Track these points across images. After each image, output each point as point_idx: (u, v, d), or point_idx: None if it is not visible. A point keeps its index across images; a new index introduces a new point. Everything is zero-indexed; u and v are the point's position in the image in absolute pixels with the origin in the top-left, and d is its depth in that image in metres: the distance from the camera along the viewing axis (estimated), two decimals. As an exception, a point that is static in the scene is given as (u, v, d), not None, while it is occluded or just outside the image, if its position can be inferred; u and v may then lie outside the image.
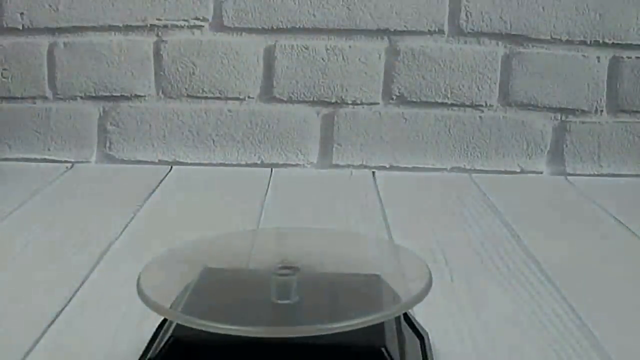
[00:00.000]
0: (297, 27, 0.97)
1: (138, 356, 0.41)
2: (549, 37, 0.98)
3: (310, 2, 0.96)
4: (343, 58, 0.97)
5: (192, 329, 0.36)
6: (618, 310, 0.56)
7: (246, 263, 0.46)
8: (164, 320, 0.43)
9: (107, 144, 1.01)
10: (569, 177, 0.99)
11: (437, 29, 0.96)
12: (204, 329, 0.34)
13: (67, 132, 1.01)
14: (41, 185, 0.89)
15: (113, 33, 0.99)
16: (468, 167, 1.00)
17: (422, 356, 0.44)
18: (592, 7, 0.97)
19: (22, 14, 0.98)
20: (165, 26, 0.99)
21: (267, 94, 1.00)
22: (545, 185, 0.96)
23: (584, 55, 0.98)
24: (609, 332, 0.52)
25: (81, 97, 1.00)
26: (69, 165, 1.00)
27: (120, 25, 0.98)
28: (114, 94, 1.00)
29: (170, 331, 0.38)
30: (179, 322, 0.37)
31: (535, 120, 1.00)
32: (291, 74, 0.98)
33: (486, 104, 0.99)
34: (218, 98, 1.00)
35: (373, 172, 0.98)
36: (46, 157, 1.01)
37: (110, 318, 0.52)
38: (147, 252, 0.62)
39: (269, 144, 1.01)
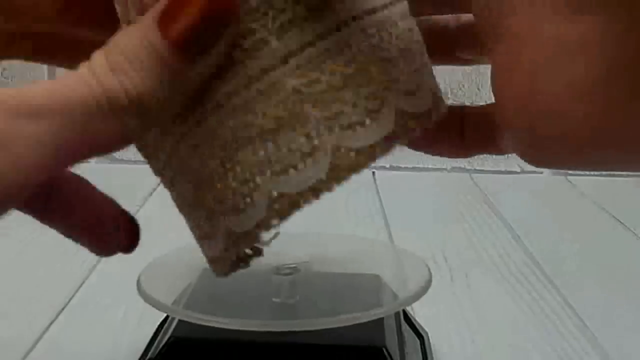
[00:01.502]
0: (297, 27, 0.97)
1: (138, 356, 0.41)
2: (549, 37, 0.97)
3: (310, 2, 0.96)
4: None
5: (192, 329, 0.36)
6: (618, 310, 0.56)
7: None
8: (164, 320, 0.43)
9: (107, 144, 1.01)
10: (569, 177, 0.99)
11: (437, 29, 0.96)
12: (206, 324, 0.34)
13: (67, 132, 1.01)
14: (41, 185, 0.89)
15: (113, 33, 0.99)
16: (468, 167, 1.00)
17: (422, 356, 0.44)
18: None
19: (22, 14, 0.98)
20: (165, 26, 0.99)
21: (267, 94, 1.00)
22: (545, 185, 0.96)
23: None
24: (609, 332, 0.52)
25: (81, 97, 1.01)
26: (69, 165, 1.00)
27: (120, 25, 0.99)
28: (114, 94, 1.00)
29: (171, 331, 0.38)
30: (182, 319, 0.37)
31: (535, 120, 0.99)
32: (291, 74, 0.98)
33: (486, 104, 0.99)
34: (218, 98, 1.00)
35: (373, 172, 0.98)
36: (46, 157, 1.01)
37: (110, 318, 0.52)
38: (147, 252, 0.62)
39: (269, 144, 1.01)
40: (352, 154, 0.21)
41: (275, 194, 0.21)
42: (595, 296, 0.58)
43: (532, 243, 0.70)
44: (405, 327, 0.44)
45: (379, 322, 0.38)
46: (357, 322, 0.34)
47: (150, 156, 0.25)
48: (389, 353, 0.36)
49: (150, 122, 0.21)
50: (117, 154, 1.00)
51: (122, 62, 0.19)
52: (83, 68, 0.19)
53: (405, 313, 0.45)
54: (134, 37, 0.20)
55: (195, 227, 0.25)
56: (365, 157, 0.21)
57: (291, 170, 0.21)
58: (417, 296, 0.37)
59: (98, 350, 0.47)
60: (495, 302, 0.57)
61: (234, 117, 0.21)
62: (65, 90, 0.19)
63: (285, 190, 0.21)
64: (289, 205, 0.22)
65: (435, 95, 0.24)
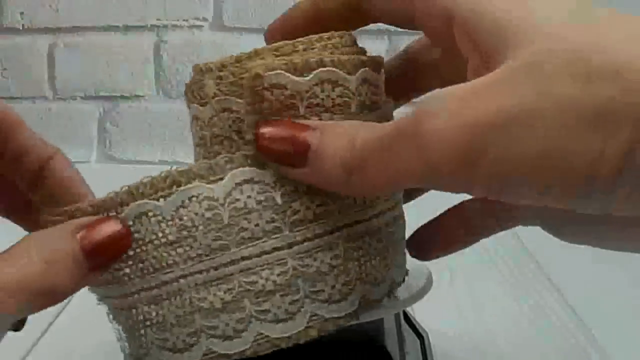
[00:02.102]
0: (297, 27, 0.96)
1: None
2: (549, 37, 0.97)
3: (310, 2, 0.96)
4: (343, 58, 0.97)
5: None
6: (618, 310, 0.56)
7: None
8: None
9: (107, 144, 1.01)
10: (568, 177, 0.99)
11: (437, 29, 0.96)
12: None
13: (67, 132, 1.01)
14: (41, 185, 0.89)
15: (113, 33, 0.99)
16: (468, 167, 1.00)
17: (422, 356, 0.44)
18: (592, 7, 0.97)
19: (22, 13, 0.98)
20: (165, 26, 0.99)
21: (267, 94, 1.00)
22: (545, 185, 0.96)
23: (583, 56, 0.98)
24: (609, 332, 0.52)
25: (81, 97, 1.00)
26: (69, 165, 1.00)
27: (120, 25, 0.99)
28: (114, 94, 1.00)
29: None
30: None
31: (535, 120, 0.99)
32: (291, 74, 0.98)
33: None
34: (218, 98, 1.00)
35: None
36: (46, 157, 1.01)
37: (110, 318, 0.52)
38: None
39: (269, 144, 1.01)
40: (268, 341, 0.31)
41: (210, 348, 0.31)
42: (595, 296, 0.58)
43: (532, 243, 0.70)
44: (405, 327, 0.44)
45: (379, 322, 0.38)
46: (357, 321, 0.34)
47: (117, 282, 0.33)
48: (388, 353, 0.36)
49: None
50: (117, 154, 1.00)
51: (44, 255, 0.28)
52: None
53: (405, 313, 0.45)
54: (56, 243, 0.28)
55: (256, 310, 0.33)
56: (284, 342, 0.31)
57: (221, 340, 0.31)
58: (417, 297, 0.37)
59: (98, 351, 0.47)
60: (495, 302, 0.57)
61: (196, 290, 0.30)
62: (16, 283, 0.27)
63: (216, 349, 0.31)
64: (217, 357, 0.31)
65: (361, 301, 0.32)
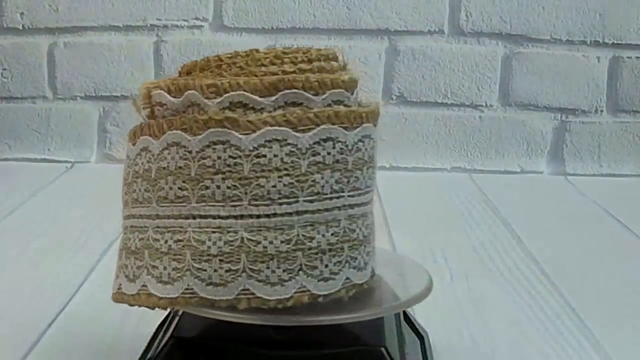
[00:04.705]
0: (297, 27, 0.97)
1: (138, 356, 0.41)
2: (549, 37, 0.98)
3: (310, 2, 0.96)
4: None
5: (192, 328, 0.35)
6: (618, 310, 0.56)
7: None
8: (165, 320, 0.44)
9: (107, 144, 1.01)
10: (569, 177, 0.99)
11: (437, 29, 0.96)
12: (210, 317, 0.34)
13: (67, 132, 1.01)
14: (41, 185, 0.89)
15: (113, 33, 0.99)
16: (468, 167, 1.00)
17: (422, 356, 0.44)
18: (592, 7, 0.97)
19: (22, 14, 0.98)
20: (165, 26, 0.99)
21: (267, 94, 0.99)
22: (545, 185, 0.96)
23: (584, 55, 0.98)
24: (609, 332, 0.52)
25: (81, 97, 1.00)
26: (69, 165, 1.00)
27: (120, 25, 0.99)
28: (114, 94, 1.00)
29: (171, 331, 0.38)
30: (186, 311, 0.37)
31: (535, 120, 1.00)
32: (291, 74, 0.98)
33: (486, 104, 0.99)
34: (218, 98, 1.00)
35: (373, 172, 0.98)
36: (46, 157, 1.01)
37: (110, 318, 0.52)
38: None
39: (269, 144, 1.00)
40: (140, 294, 0.35)
41: (119, 283, 0.36)
42: (595, 296, 0.58)
43: (532, 243, 0.70)
44: (405, 327, 0.44)
45: (379, 322, 0.38)
46: (357, 320, 0.34)
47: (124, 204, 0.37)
48: (388, 353, 0.36)
49: None
50: (117, 154, 1.00)
51: None
52: None
53: (405, 313, 0.45)
54: None
55: (125, 265, 0.36)
56: (132, 299, 0.35)
57: (127, 280, 0.36)
58: (418, 299, 0.37)
59: (98, 350, 0.47)
60: (495, 302, 0.57)
61: (131, 230, 0.35)
62: None
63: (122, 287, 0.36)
64: (120, 294, 0.36)
65: (347, 284, 0.34)
